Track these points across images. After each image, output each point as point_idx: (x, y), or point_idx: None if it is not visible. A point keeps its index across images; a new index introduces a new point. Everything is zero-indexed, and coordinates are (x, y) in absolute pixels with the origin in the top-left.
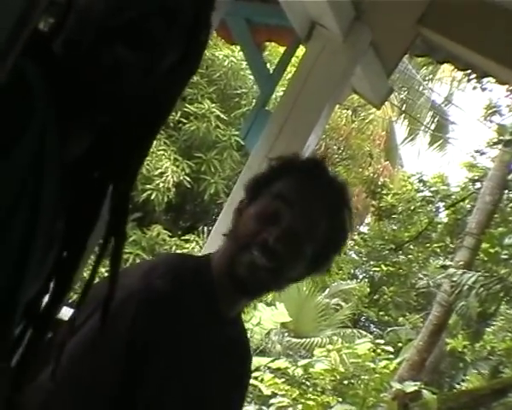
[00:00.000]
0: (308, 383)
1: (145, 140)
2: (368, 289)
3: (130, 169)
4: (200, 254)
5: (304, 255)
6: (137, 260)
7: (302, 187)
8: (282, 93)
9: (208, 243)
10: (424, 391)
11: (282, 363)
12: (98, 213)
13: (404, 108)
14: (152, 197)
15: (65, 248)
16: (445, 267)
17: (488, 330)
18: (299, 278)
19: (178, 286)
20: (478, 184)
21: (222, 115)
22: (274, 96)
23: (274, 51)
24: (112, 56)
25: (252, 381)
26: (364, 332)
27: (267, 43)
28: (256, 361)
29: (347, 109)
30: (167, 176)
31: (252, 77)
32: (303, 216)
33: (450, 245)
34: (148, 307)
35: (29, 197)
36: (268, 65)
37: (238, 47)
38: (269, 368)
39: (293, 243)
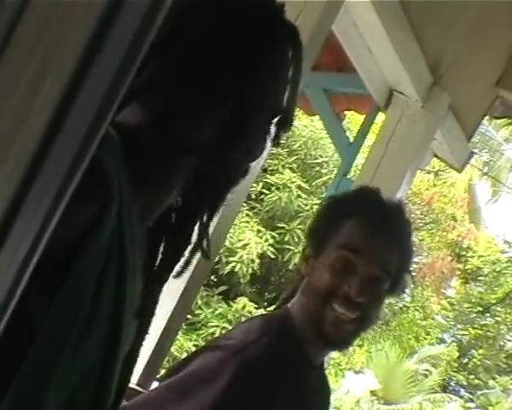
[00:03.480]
0: None
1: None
2: (456, 353)
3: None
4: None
5: (384, 292)
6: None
7: (365, 231)
8: (362, 160)
9: None
10: None
11: None
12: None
13: (485, 170)
14: (236, 270)
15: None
16: None
17: None
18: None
19: (270, 350)
20: None
21: (303, 185)
22: (355, 163)
23: (353, 119)
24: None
25: None
26: (454, 397)
27: (346, 112)
28: None
29: (428, 173)
30: (251, 247)
31: (332, 145)
32: (375, 259)
33: None
34: (243, 372)
35: (110, 278)
36: (348, 133)
37: (317, 116)
38: None
39: (373, 287)
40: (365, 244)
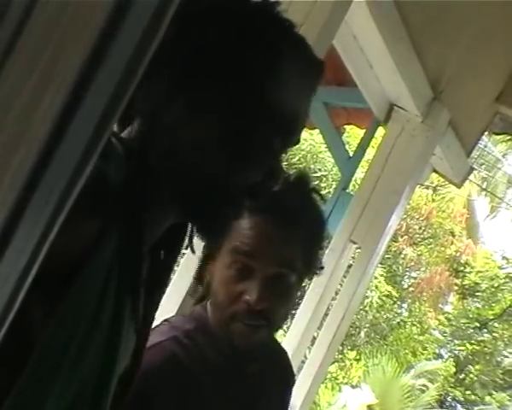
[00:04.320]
0: None
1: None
2: (453, 369)
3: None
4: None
5: (292, 284)
6: None
7: (256, 228)
8: (361, 174)
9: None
10: None
11: None
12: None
13: (484, 186)
14: None
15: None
16: None
17: None
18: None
19: (176, 351)
20: None
21: None
22: (354, 177)
23: (352, 133)
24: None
25: None
26: None
27: (345, 126)
28: None
29: (427, 188)
30: None
31: (331, 159)
32: (271, 258)
33: None
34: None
35: (114, 287)
36: (347, 147)
37: (316, 130)
38: None
39: (276, 287)
40: (257, 244)
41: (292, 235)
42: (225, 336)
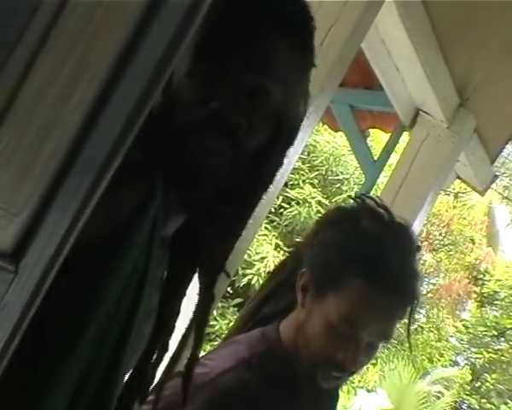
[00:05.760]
0: None
1: (237, 222)
2: (469, 377)
3: (218, 253)
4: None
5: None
6: None
7: (371, 301)
8: (385, 179)
9: None
10: None
11: None
12: (187, 285)
13: (505, 194)
14: (253, 282)
15: (160, 319)
16: None
17: None
18: None
19: (249, 377)
20: None
21: (323, 201)
22: (377, 182)
23: (375, 138)
24: (199, 144)
25: None
26: None
27: (370, 130)
28: None
29: (448, 195)
30: (268, 261)
31: (353, 162)
32: (376, 330)
33: None
34: (211, 406)
35: (137, 275)
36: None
37: (339, 132)
38: None
39: (368, 351)
40: (369, 316)
41: (398, 307)
42: (308, 374)
